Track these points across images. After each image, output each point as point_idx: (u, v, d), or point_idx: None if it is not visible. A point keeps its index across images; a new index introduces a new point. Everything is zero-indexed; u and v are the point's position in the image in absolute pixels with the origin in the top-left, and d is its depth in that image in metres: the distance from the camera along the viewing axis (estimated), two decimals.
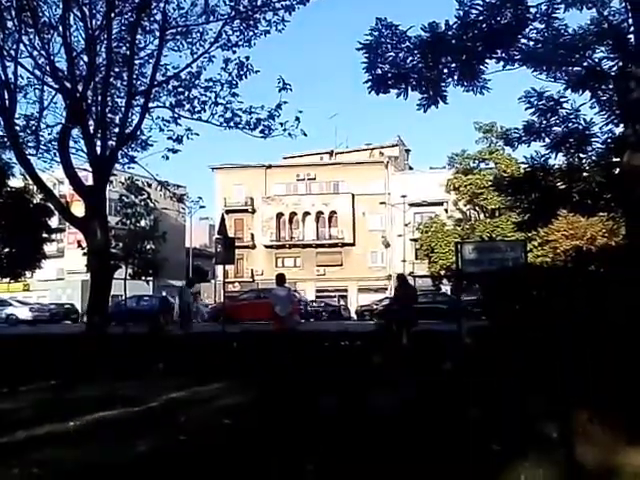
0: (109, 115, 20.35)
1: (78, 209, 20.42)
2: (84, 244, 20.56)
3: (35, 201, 25.32)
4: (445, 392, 11.24)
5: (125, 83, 20.11)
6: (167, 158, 20.25)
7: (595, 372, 8.46)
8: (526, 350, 10.36)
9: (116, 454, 7.39)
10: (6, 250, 25.56)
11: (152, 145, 21.58)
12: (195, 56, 19.97)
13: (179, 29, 20.04)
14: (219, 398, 11.38)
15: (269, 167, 70.06)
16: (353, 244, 66.18)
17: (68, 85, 19.18)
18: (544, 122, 15.48)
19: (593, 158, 15.61)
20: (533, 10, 13.55)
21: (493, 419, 8.76)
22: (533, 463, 6.54)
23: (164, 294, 44.51)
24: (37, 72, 19.83)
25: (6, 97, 19.03)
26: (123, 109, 20.02)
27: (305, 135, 19.53)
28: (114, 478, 6.66)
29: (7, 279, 29.81)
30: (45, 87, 20.19)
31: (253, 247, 68.32)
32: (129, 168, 22.26)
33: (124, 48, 20.12)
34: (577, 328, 9.47)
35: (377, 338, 16.96)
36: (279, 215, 67.66)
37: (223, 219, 21.31)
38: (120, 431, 8.78)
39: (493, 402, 9.67)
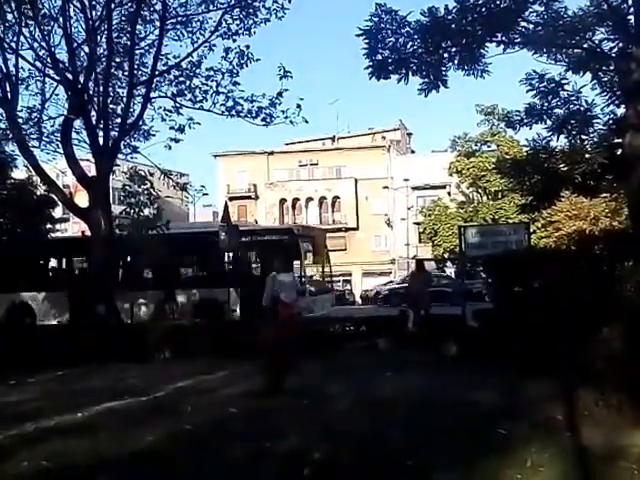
0: (111, 106, 20.37)
1: (82, 199, 20.48)
2: (88, 234, 20.62)
3: (39, 192, 25.37)
4: (448, 375, 11.35)
5: (126, 73, 20.12)
6: (169, 148, 20.33)
7: (599, 355, 8.52)
8: (529, 333, 10.42)
9: (125, 445, 7.45)
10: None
11: (154, 135, 21.71)
12: (196, 45, 20.04)
13: (179, 18, 20.04)
14: (225, 387, 11.46)
15: (271, 153, 69.83)
16: (356, 228, 66.02)
17: (69, 76, 19.19)
18: (545, 104, 15.48)
19: (595, 139, 15.64)
20: None
21: (499, 402, 8.85)
22: (539, 446, 6.62)
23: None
24: (38, 64, 19.91)
25: (8, 89, 19.07)
26: (125, 99, 20.06)
27: (307, 122, 19.60)
28: (123, 469, 6.71)
29: None
30: (46, 79, 20.29)
31: None
32: (132, 158, 22.36)
33: (125, 38, 20.13)
34: (579, 310, 9.52)
35: (382, 323, 17.01)
36: (282, 201, 67.49)
37: (227, 206, 21.33)
38: (128, 422, 8.85)
39: (499, 385, 9.77)
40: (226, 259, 23.45)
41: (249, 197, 68.88)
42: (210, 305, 20.78)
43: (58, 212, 28.83)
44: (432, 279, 26.68)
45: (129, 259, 23.80)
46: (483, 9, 13.32)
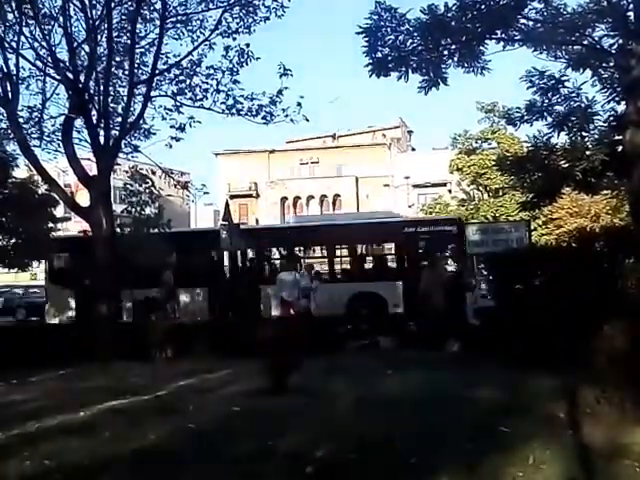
0: (111, 105, 20.35)
1: (83, 198, 20.46)
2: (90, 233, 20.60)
3: (40, 192, 25.32)
4: (450, 373, 11.35)
5: (127, 72, 20.11)
6: (170, 147, 20.35)
7: (600, 352, 8.52)
8: (530, 330, 10.43)
9: (127, 444, 7.44)
10: (12, 241, 25.58)
11: (155, 134, 21.67)
12: (196, 44, 20.03)
13: (179, 17, 20.03)
14: (227, 385, 11.46)
15: (272, 152, 69.83)
16: None
17: (70, 76, 19.17)
18: (546, 101, 15.49)
19: (595, 136, 15.61)
20: None
21: (501, 400, 8.86)
22: (541, 444, 6.62)
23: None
24: (39, 63, 19.86)
25: (8, 89, 19.04)
26: (125, 98, 20.04)
27: (307, 120, 19.62)
28: (125, 469, 6.70)
29: (15, 269, 29.86)
30: (47, 78, 20.24)
31: None
32: (133, 157, 22.34)
33: (125, 37, 20.13)
34: (581, 308, 9.53)
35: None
36: (283, 199, 67.43)
37: (228, 204, 21.30)
38: (131, 421, 8.84)
39: (500, 383, 9.77)
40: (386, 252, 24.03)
41: (250, 195, 68.88)
42: (370, 298, 20.92)
43: (59, 211, 28.73)
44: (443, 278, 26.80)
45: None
46: (483, 6, 13.33)
